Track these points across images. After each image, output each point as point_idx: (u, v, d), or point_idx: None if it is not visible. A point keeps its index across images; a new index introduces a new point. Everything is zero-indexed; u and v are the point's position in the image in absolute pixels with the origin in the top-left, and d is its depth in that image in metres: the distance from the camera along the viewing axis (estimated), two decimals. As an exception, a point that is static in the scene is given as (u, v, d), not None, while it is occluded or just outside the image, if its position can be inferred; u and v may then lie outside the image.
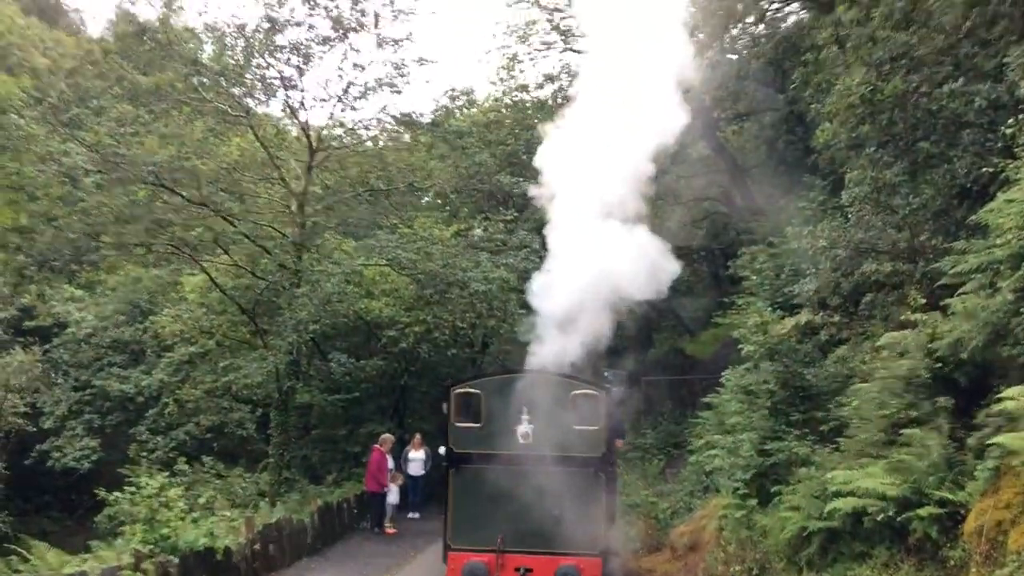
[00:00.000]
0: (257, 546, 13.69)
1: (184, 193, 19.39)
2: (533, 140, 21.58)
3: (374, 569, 15.04)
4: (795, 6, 21.28)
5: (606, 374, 18.12)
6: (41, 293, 25.21)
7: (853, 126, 12.87)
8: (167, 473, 17.17)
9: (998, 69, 11.06)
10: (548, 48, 27.59)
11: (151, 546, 11.41)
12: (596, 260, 12.38)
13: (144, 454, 21.26)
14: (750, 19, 21.84)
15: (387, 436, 18.83)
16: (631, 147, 13.29)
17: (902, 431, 8.54)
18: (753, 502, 11.05)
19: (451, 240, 21.69)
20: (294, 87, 20.93)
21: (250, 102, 22.17)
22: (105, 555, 11.74)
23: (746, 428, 12.07)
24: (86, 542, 15.75)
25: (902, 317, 10.08)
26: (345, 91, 21.23)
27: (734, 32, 22.80)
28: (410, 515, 19.20)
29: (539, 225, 20.31)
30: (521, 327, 15.11)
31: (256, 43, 20.74)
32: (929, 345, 8.83)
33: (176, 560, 11.52)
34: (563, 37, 27.19)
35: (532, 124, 25.72)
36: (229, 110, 21.34)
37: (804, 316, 13.17)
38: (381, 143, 24.66)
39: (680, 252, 14.49)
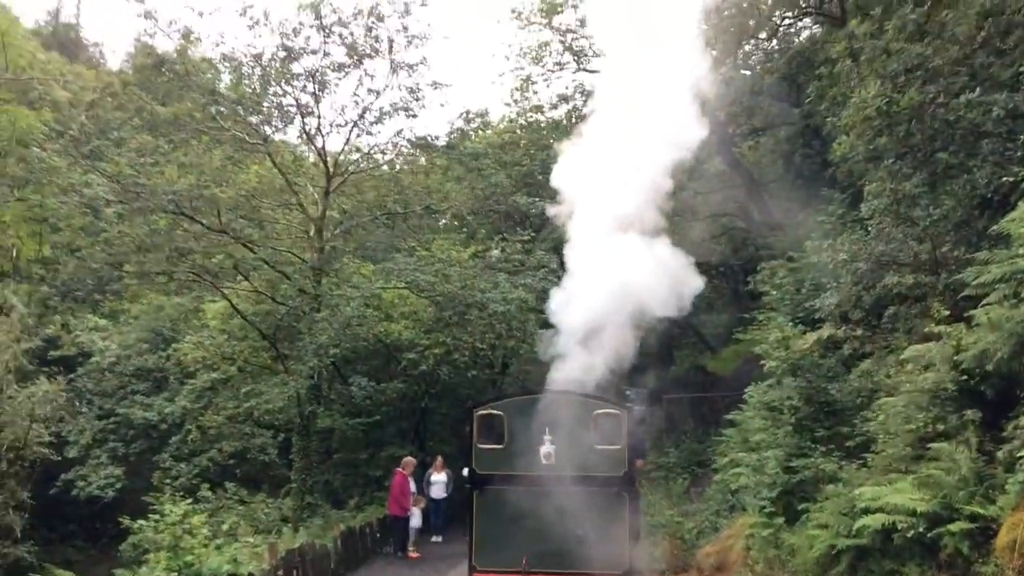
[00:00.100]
0: (280, 572, 13.63)
1: (204, 221, 19.61)
2: (548, 160, 21.65)
3: (399, 594, 14.97)
4: (807, 21, 21.32)
5: (627, 392, 18.05)
6: (65, 323, 25.48)
7: (870, 138, 12.81)
8: (190, 500, 17.24)
9: (1015, 79, 11.01)
10: (561, 69, 27.72)
11: (175, 573, 11.45)
12: (618, 275, 12.38)
13: (167, 481, 21.32)
14: (763, 35, 21.89)
15: (409, 459, 18.79)
16: (650, 159, 13.33)
17: (930, 445, 8.42)
18: (780, 520, 10.90)
19: (469, 262, 21.75)
20: (310, 114, 21.23)
21: (267, 129, 22.48)
22: (130, 583, 11.77)
23: (771, 445, 11.93)
24: (111, 571, 15.82)
25: (926, 329, 9.97)
26: (361, 116, 21.53)
27: (747, 48, 22.86)
28: (433, 538, 19.10)
29: (557, 245, 20.39)
30: (541, 345, 15.08)
31: (272, 72, 21.06)
32: (954, 357, 8.71)
33: (200, 587, 11.53)
34: (576, 58, 27.33)
35: (547, 144, 25.81)
36: (247, 138, 21.61)
37: (826, 330, 13.07)
38: (397, 167, 24.88)
39: (699, 268, 14.42)
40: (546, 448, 11.92)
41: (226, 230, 19.78)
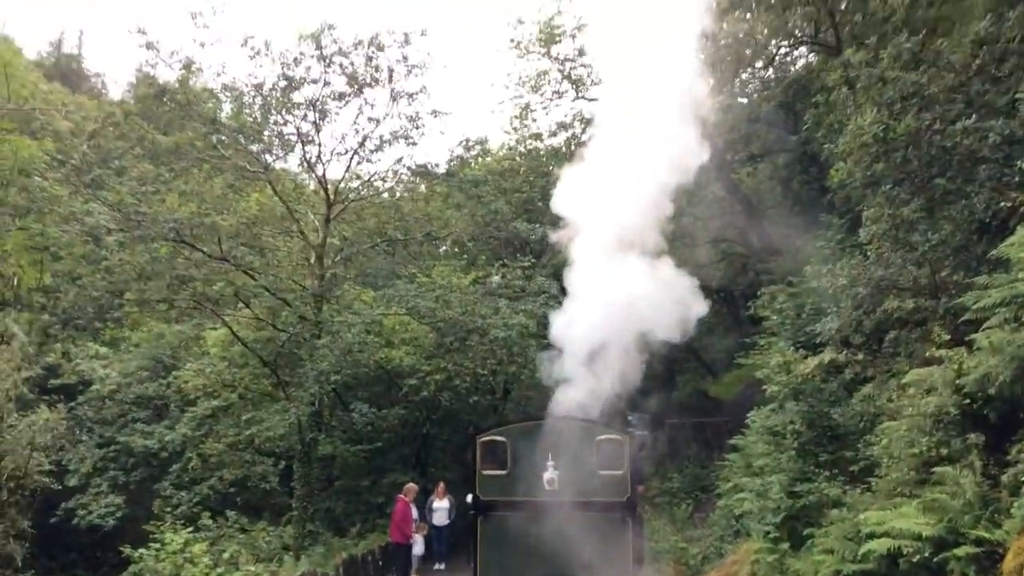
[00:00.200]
0: (283, 601, 13.60)
1: (205, 249, 19.70)
2: (548, 187, 21.80)
3: (401, 622, 14.85)
4: (803, 50, 21.54)
5: (630, 417, 18.07)
6: (66, 351, 25.47)
7: (868, 165, 12.92)
8: (191, 528, 17.21)
9: (1010, 105, 11.15)
10: (560, 97, 27.98)
11: (178, 603, 11.39)
12: (622, 296, 12.46)
13: (168, 510, 21.23)
14: (759, 64, 22.12)
15: (411, 486, 18.70)
16: (652, 180, 13.47)
17: (934, 469, 8.45)
18: (785, 546, 10.88)
19: (469, 288, 21.82)
20: (311, 142, 21.42)
21: (268, 158, 22.66)
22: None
23: (774, 470, 11.94)
24: (112, 600, 15.69)
25: (927, 354, 10.02)
26: (361, 144, 21.70)
27: (744, 76, 23.09)
28: (436, 566, 18.97)
29: (557, 271, 20.47)
30: (543, 367, 15.11)
31: (273, 101, 21.25)
32: (956, 381, 8.76)
33: (203, 617, 11.47)
34: (574, 86, 27.59)
35: (547, 171, 25.97)
36: (248, 166, 21.76)
37: (828, 355, 13.11)
38: (398, 194, 25.03)
39: (700, 292, 14.51)
40: (549, 474, 11.95)
41: (227, 258, 19.86)
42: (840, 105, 14.82)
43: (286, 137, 21.84)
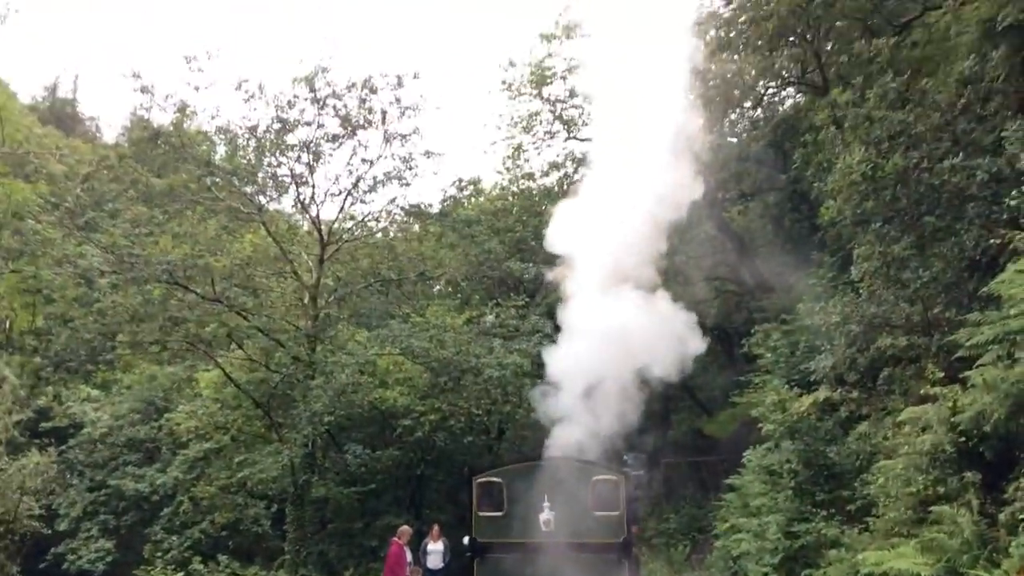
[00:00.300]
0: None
1: (198, 290, 19.68)
2: (541, 226, 21.88)
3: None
4: (791, 90, 21.84)
5: (625, 457, 17.95)
6: (57, 394, 25.29)
7: (857, 203, 13.06)
8: (182, 573, 16.97)
9: (996, 143, 11.30)
10: (552, 137, 28.24)
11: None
12: (618, 332, 12.48)
13: (159, 554, 20.95)
14: (748, 104, 22.41)
15: (405, 528, 18.46)
16: (646, 214, 13.56)
17: (931, 508, 8.43)
18: (784, 587, 10.81)
19: (463, 327, 21.77)
20: (305, 183, 21.53)
21: (262, 199, 22.71)
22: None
23: (771, 510, 11.89)
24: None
25: (921, 391, 10.04)
26: (355, 185, 21.80)
27: (733, 116, 23.36)
28: (430, 610, 18.70)
29: (551, 310, 20.47)
30: (539, 403, 15.03)
31: (267, 143, 21.38)
32: (951, 419, 8.77)
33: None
34: (566, 127, 27.87)
35: (539, 211, 26.11)
36: (241, 208, 21.83)
37: (822, 393, 13.11)
38: (391, 234, 25.09)
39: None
40: (545, 515, 11.89)
41: (220, 299, 19.82)
42: (828, 144, 15.00)
43: (280, 178, 21.93)
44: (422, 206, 23.89)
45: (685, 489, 23.74)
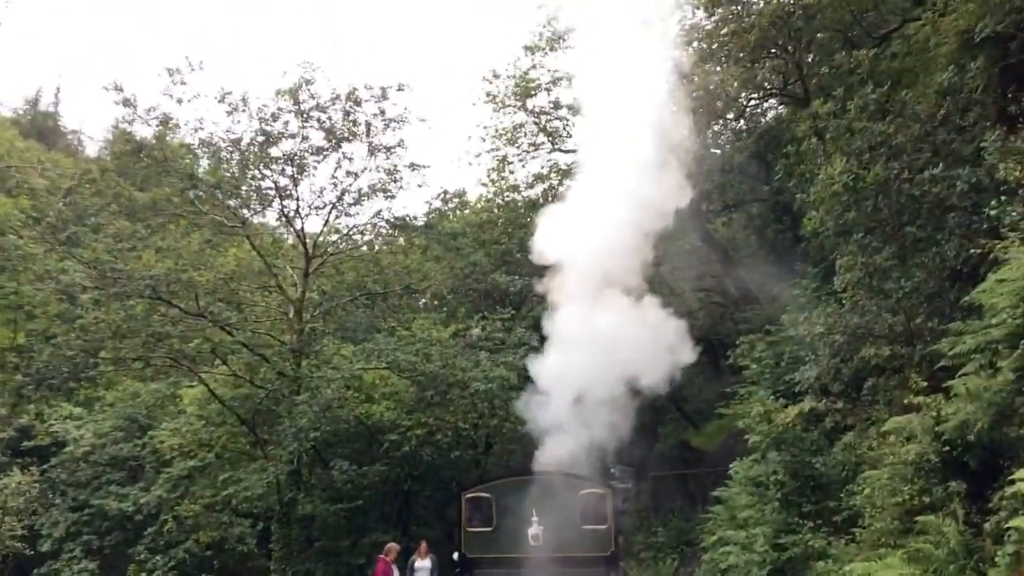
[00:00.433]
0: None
1: (181, 305, 19.51)
2: (526, 238, 21.88)
3: None
4: (773, 102, 21.99)
5: (612, 470, 17.92)
6: (39, 412, 24.96)
7: (839, 213, 13.13)
8: (166, 595, 16.74)
9: (976, 154, 11.39)
10: (536, 149, 28.29)
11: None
12: (607, 340, 12.48)
13: (143, 575, 20.67)
14: (731, 115, 22.55)
15: (392, 545, 18.31)
16: (634, 223, 13.57)
17: (917, 518, 8.44)
18: (771, 599, 10.78)
19: (449, 340, 21.69)
20: (289, 196, 21.43)
21: (246, 213, 22.60)
22: None
23: (759, 522, 11.88)
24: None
25: (905, 401, 10.07)
26: (339, 198, 21.73)
27: (716, 128, 23.50)
28: (418, 627, 18.54)
29: (536, 322, 20.44)
30: (528, 414, 14.96)
31: (251, 156, 21.28)
32: (935, 428, 8.80)
33: None
34: (550, 138, 27.93)
35: (524, 223, 26.12)
36: (225, 221, 21.70)
37: (807, 403, 13.12)
38: (376, 247, 25.00)
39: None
40: (534, 529, 11.87)
41: (204, 314, 19.66)
42: (810, 155, 15.08)
43: (264, 192, 21.85)
44: (407, 219, 23.81)
45: (673, 502, 23.68)
